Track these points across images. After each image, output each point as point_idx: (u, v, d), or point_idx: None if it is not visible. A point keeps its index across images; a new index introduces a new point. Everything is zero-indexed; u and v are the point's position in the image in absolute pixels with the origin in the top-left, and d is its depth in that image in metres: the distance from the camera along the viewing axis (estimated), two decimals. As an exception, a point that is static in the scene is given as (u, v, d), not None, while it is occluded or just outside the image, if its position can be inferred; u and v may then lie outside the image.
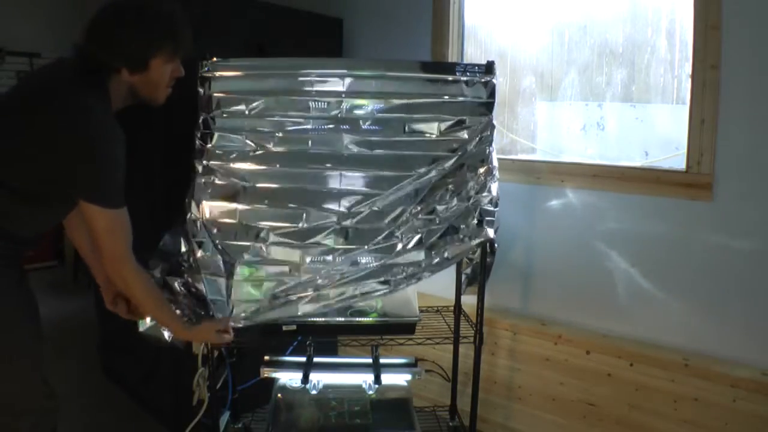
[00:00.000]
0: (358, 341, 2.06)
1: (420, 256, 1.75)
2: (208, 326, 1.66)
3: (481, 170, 1.80)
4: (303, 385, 1.99)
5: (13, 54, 4.53)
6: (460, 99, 1.82)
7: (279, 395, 2.03)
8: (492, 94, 1.82)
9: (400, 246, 1.74)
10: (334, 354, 2.62)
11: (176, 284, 1.70)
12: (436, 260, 1.75)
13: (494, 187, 1.80)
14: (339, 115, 1.80)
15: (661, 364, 1.95)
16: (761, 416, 1.77)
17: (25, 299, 1.44)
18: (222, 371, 2.03)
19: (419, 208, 1.76)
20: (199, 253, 1.70)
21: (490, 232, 1.75)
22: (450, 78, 1.82)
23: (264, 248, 1.73)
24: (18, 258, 1.43)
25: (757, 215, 1.85)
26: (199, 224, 1.72)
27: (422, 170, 1.78)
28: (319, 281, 1.73)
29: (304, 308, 1.73)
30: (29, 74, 1.41)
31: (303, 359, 2.03)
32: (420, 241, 1.75)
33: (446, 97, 1.81)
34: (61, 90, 1.33)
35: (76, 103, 1.31)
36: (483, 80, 1.82)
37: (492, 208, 1.78)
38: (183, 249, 1.72)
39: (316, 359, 2.03)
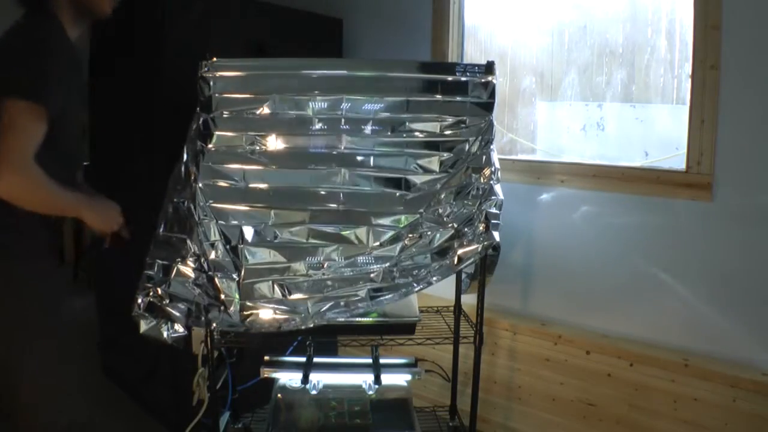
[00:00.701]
0: (358, 341, 2.06)
1: (426, 260, 1.75)
2: (111, 206, 1.63)
3: (485, 172, 1.79)
4: (303, 385, 1.99)
5: (13, 54, 4.53)
6: (460, 99, 1.82)
7: (279, 395, 2.03)
8: (492, 94, 1.82)
9: (404, 249, 1.74)
10: (334, 354, 2.62)
11: (187, 284, 1.70)
12: (443, 264, 1.75)
13: (499, 189, 1.80)
14: (339, 115, 1.80)
15: (661, 364, 1.95)
16: (761, 416, 1.77)
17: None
18: (222, 371, 2.03)
19: (422, 211, 1.76)
20: (212, 255, 1.70)
21: (496, 236, 1.75)
22: (450, 78, 1.82)
23: (267, 249, 1.74)
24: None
25: (756, 215, 1.85)
26: (206, 225, 1.72)
27: (423, 172, 1.78)
28: (325, 283, 1.72)
29: (313, 310, 1.72)
30: None
31: (303, 359, 2.03)
32: (426, 245, 1.75)
33: (446, 97, 1.81)
34: (9, 29, 1.40)
35: (15, 25, 1.38)
36: (483, 80, 1.82)
37: (497, 211, 1.77)
38: (193, 250, 1.71)
39: (316, 359, 2.03)
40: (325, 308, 1.72)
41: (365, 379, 2.05)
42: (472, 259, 1.76)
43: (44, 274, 1.49)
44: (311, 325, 1.71)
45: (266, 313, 1.71)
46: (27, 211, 1.37)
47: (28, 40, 1.35)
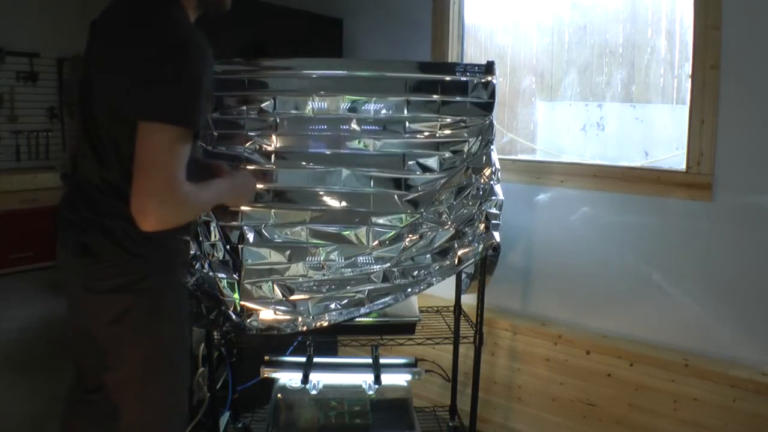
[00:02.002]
0: (358, 341, 2.06)
1: (426, 260, 1.75)
2: (247, 179, 1.56)
3: (485, 173, 1.79)
4: (303, 385, 1.99)
5: (13, 54, 4.53)
6: (460, 99, 1.82)
7: (279, 395, 2.03)
8: (492, 94, 1.82)
9: (404, 249, 1.74)
10: (334, 354, 2.62)
11: (188, 284, 1.70)
12: (444, 264, 1.75)
13: (499, 190, 1.80)
14: (339, 115, 1.80)
15: (661, 364, 1.95)
16: (761, 416, 1.77)
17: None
18: (222, 371, 2.03)
19: (422, 211, 1.76)
20: (213, 256, 1.70)
21: (497, 236, 1.75)
22: (450, 78, 1.82)
23: (267, 249, 1.74)
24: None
25: (756, 216, 1.85)
26: (206, 226, 1.72)
27: (423, 171, 1.78)
28: (325, 284, 1.73)
29: (313, 311, 1.72)
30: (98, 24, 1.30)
31: (303, 359, 2.03)
32: (426, 245, 1.75)
33: (446, 97, 1.81)
34: (137, 15, 1.22)
35: (150, 16, 1.20)
36: (483, 80, 1.82)
37: (497, 211, 1.77)
38: (193, 251, 1.71)
39: (316, 359, 2.03)
40: (325, 308, 1.72)
41: (365, 379, 2.05)
42: (472, 260, 1.76)
43: (183, 286, 1.46)
44: (312, 326, 1.71)
45: (267, 314, 1.71)
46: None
47: (177, 49, 1.16)
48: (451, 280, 2.09)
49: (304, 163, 1.78)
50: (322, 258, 1.74)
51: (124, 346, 1.30)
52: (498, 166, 1.83)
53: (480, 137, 1.81)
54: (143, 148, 1.12)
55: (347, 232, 1.75)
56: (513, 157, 2.56)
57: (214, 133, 1.78)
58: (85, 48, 1.33)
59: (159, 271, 1.31)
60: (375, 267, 1.73)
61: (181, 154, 1.15)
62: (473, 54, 2.63)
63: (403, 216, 1.75)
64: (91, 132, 1.27)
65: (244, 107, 1.79)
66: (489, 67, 1.83)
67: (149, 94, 1.14)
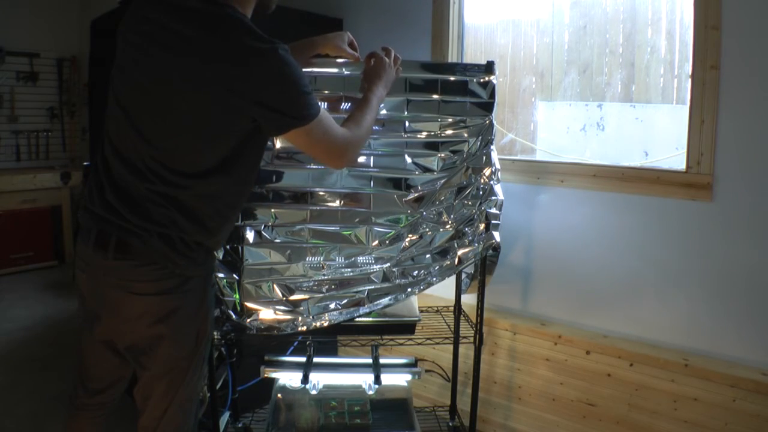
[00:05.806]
0: (358, 341, 2.06)
1: (426, 260, 1.75)
2: (387, 67, 1.67)
3: (485, 172, 1.79)
4: (303, 385, 1.99)
5: (13, 54, 4.54)
6: (460, 99, 1.82)
7: (279, 395, 2.03)
8: (492, 94, 1.82)
9: (404, 249, 1.74)
10: (334, 354, 2.62)
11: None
12: (444, 264, 1.75)
13: (499, 190, 1.80)
14: (339, 116, 1.79)
15: (661, 364, 1.95)
16: (761, 416, 1.77)
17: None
18: (222, 371, 2.03)
19: (422, 211, 1.76)
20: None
21: (497, 236, 1.75)
22: (450, 78, 1.82)
23: (267, 249, 1.74)
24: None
25: (756, 215, 1.85)
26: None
27: (423, 171, 1.78)
28: (325, 284, 1.72)
29: (313, 310, 1.72)
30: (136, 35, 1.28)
31: (303, 359, 2.03)
32: (426, 245, 1.75)
33: (446, 97, 1.81)
34: (203, 26, 1.21)
35: (219, 26, 1.21)
36: (483, 80, 1.82)
37: (497, 211, 1.77)
38: None
39: (316, 359, 2.03)
40: (325, 308, 1.72)
41: (365, 379, 2.05)
42: (472, 260, 1.76)
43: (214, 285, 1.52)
44: (312, 326, 1.71)
45: (267, 313, 1.71)
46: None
47: (278, 65, 1.22)
48: (451, 280, 2.09)
49: (303, 163, 1.78)
50: (322, 258, 1.73)
51: (166, 343, 1.33)
52: (498, 166, 1.82)
53: (480, 137, 1.81)
54: (305, 146, 1.36)
55: (347, 232, 1.75)
56: (513, 157, 2.56)
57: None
58: (122, 49, 1.30)
59: (204, 273, 1.37)
60: (375, 267, 1.73)
61: (329, 124, 1.34)
62: (473, 54, 2.63)
63: (403, 216, 1.75)
64: (137, 141, 1.26)
65: (244, 107, 1.78)
66: (489, 67, 1.83)
67: (280, 114, 1.25)
